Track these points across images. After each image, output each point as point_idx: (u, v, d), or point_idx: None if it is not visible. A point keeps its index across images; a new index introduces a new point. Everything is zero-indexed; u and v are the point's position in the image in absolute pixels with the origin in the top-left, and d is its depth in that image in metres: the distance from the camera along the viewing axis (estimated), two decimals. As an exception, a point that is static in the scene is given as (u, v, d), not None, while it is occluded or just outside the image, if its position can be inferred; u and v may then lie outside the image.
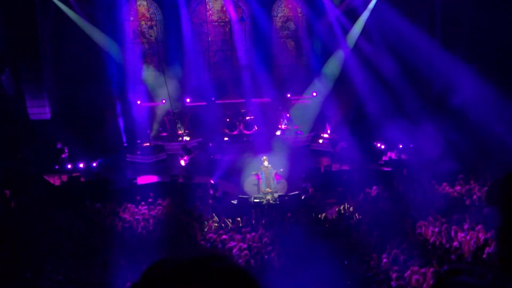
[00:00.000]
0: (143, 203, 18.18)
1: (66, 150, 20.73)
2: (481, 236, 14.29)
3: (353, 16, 25.56)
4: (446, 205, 17.21)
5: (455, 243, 14.39)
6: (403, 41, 22.95)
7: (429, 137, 20.65)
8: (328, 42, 26.03)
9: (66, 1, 23.30)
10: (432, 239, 14.87)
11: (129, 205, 18.00)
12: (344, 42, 25.78)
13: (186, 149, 21.61)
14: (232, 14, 26.55)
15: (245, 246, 14.72)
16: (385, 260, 13.83)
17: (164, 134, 24.92)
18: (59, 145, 20.73)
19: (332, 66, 26.07)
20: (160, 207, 18.05)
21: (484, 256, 13.34)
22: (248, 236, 15.57)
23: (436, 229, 15.33)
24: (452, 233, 15.08)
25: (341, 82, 25.40)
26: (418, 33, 23.28)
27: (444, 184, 18.80)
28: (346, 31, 25.74)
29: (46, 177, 20.57)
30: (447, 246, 14.36)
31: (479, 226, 14.90)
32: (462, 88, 21.58)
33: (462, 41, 23.50)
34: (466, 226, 15.31)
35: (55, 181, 20.44)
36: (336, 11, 25.72)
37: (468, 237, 14.56)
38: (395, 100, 22.90)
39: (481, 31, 22.30)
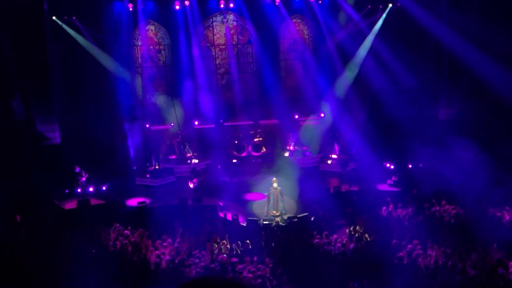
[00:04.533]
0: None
1: (83, 173, 20.88)
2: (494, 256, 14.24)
3: (359, 38, 25.77)
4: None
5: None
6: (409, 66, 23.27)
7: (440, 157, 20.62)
8: (335, 63, 26.19)
9: (75, 27, 23.62)
10: (442, 261, 14.76)
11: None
12: (350, 63, 25.97)
13: (195, 172, 21.67)
14: (239, 37, 26.88)
15: (254, 269, 14.66)
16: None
17: (173, 157, 25.01)
18: (77, 169, 20.86)
19: (340, 87, 26.14)
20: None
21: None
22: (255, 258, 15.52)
23: (448, 250, 15.22)
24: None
25: (349, 102, 25.44)
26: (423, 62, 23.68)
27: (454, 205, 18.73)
28: (352, 52, 25.91)
29: (56, 202, 20.65)
30: (460, 266, 14.26)
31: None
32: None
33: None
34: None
35: (65, 205, 20.52)
36: (342, 32, 25.95)
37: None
38: (403, 119, 22.96)
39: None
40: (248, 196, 21.75)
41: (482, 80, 21.29)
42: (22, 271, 14.91)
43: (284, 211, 19.49)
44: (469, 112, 22.24)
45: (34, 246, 16.57)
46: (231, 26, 27.18)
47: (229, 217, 19.52)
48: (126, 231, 17.36)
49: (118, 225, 17.77)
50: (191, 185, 21.30)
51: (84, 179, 20.93)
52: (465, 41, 22.15)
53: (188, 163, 23.76)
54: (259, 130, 25.83)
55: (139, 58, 26.43)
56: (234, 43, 27.32)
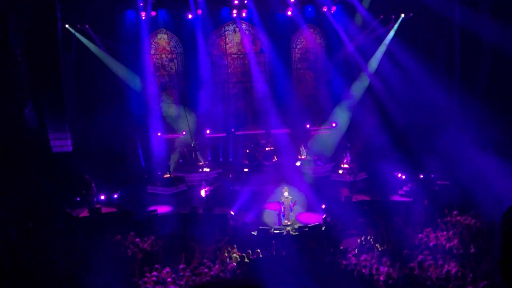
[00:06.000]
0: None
1: (93, 184, 20.95)
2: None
3: (372, 47, 25.72)
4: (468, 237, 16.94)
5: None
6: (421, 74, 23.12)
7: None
8: (348, 72, 26.14)
9: (88, 35, 23.80)
10: (454, 271, 14.58)
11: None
12: (363, 72, 25.91)
13: (207, 181, 21.68)
14: (252, 46, 26.91)
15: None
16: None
17: (185, 165, 25.02)
18: (87, 178, 20.95)
19: (354, 95, 26.06)
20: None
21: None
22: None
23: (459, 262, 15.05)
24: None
25: (361, 111, 25.35)
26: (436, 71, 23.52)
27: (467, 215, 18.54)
28: (365, 61, 25.86)
29: (67, 209, 20.71)
30: (471, 275, 14.07)
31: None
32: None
33: (480, 82, 23.29)
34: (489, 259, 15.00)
35: (77, 213, 20.58)
36: (354, 42, 25.89)
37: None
38: (416, 128, 22.82)
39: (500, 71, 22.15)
40: (259, 205, 21.67)
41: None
42: (33, 277, 14.94)
43: (294, 221, 19.42)
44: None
45: (45, 253, 16.61)
46: (244, 35, 27.24)
47: (240, 226, 19.42)
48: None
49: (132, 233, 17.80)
50: (203, 194, 21.29)
51: (92, 191, 20.98)
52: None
53: (200, 171, 23.76)
54: (270, 139, 25.79)
55: (151, 67, 26.53)
56: (247, 52, 27.30)
